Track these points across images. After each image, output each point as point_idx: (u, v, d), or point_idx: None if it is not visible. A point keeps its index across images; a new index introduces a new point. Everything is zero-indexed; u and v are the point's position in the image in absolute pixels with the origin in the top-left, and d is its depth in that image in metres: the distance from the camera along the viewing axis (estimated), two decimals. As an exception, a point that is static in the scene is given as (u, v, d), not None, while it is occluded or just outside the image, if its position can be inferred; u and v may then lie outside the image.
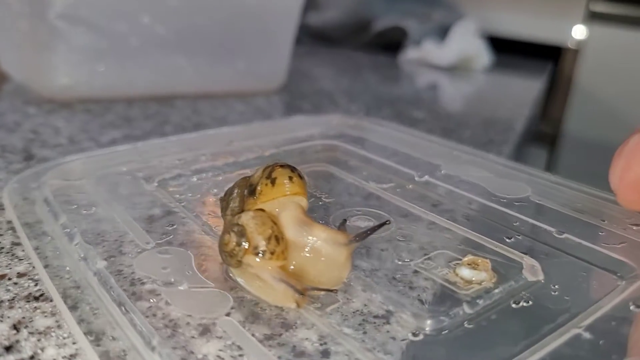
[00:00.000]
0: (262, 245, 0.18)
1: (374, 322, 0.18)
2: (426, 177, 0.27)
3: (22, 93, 0.47)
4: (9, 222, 0.25)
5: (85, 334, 0.17)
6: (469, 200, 0.26)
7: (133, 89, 0.48)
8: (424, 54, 0.81)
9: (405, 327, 0.17)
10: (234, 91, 0.54)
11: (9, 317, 0.18)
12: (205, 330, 0.17)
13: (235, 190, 0.21)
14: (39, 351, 0.17)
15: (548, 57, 0.95)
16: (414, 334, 0.17)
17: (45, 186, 0.25)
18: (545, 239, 0.22)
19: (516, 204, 0.25)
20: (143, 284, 0.19)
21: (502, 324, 0.18)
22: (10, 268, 0.21)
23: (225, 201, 0.21)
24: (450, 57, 0.79)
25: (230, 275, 0.19)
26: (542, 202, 0.25)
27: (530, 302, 0.19)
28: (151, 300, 0.18)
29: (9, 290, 0.20)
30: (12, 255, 0.22)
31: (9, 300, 0.19)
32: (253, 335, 0.17)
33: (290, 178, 0.20)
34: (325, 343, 0.17)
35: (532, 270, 0.20)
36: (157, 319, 0.17)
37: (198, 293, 0.19)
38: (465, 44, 0.80)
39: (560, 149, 0.93)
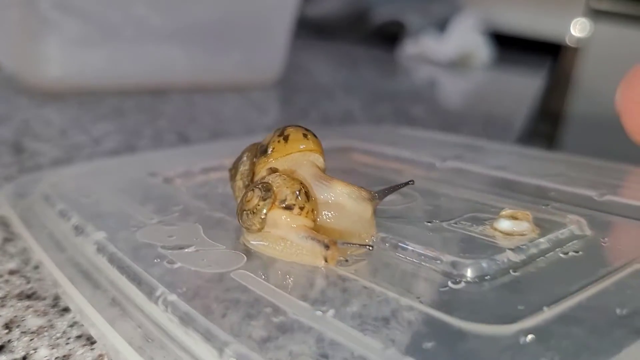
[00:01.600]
0: (290, 198, 0.16)
1: (409, 273, 0.16)
2: (448, 162, 0.26)
3: (13, 84, 0.45)
4: (1, 217, 0.23)
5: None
6: (497, 177, 0.24)
7: (127, 80, 0.47)
8: (423, 49, 0.80)
9: (442, 277, 0.15)
10: (229, 84, 0.52)
11: (0, 316, 0.17)
12: (219, 280, 0.15)
13: (245, 154, 0.19)
14: (32, 351, 0.16)
15: (548, 53, 0.93)
16: (455, 282, 0.15)
17: (43, 184, 0.23)
18: (586, 203, 0.20)
19: (550, 177, 0.23)
20: (146, 248, 0.17)
21: (553, 270, 0.16)
22: (2, 265, 0.20)
23: (234, 169, 0.19)
24: (450, 52, 0.78)
25: (246, 243, 0.17)
26: (577, 174, 0.23)
27: (581, 252, 0.17)
28: (155, 261, 0.16)
29: (0, 287, 0.19)
30: (4, 252, 0.21)
31: (0, 298, 0.18)
32: (271, 283, 0.15)
33: (305, 135, 0.18)
34: (349, 290, 0.15)
35: (578, 224, 0.18)
36: (162, 276, 0.15)
37: (207, 252, 0.17)
38: (465, 39, 0.78)
39: (559, 146, 0.91)
